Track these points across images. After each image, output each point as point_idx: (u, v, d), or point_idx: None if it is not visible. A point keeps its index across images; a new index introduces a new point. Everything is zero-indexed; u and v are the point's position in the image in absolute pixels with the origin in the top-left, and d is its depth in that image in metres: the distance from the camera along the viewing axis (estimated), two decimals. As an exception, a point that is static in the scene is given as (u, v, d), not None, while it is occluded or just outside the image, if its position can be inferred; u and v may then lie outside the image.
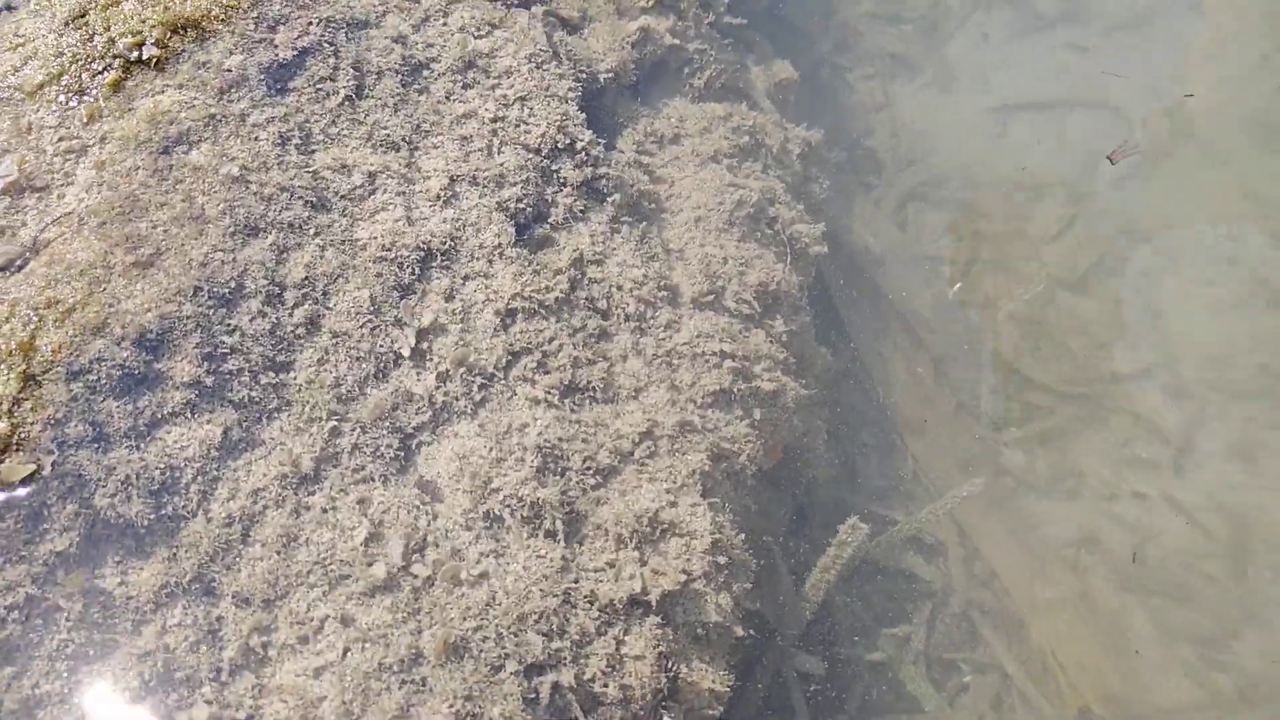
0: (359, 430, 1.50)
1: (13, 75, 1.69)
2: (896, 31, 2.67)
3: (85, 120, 1.64)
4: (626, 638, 1.45)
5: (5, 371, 1.35)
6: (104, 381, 1.39)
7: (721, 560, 1.57)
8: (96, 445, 1.36)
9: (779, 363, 1.85)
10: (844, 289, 2.26)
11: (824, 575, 1.88)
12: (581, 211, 1.78)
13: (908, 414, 2.31)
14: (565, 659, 1.41)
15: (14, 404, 1.33)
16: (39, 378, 1.36)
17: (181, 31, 1.72)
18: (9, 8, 1.85)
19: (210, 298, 1.49)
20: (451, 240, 1.66)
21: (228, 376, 1.47)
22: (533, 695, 1.38)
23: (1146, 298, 2.36)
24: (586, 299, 1.72)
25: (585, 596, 1.45)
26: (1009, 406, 2.28)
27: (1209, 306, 2.34)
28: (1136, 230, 2.46)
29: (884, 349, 2.31)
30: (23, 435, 1.32)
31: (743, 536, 1.64)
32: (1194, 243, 2.45)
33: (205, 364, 1.46)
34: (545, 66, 1.89)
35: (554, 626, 1.42)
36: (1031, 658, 1.98)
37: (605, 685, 1.42)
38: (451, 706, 1.34)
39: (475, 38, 1.88)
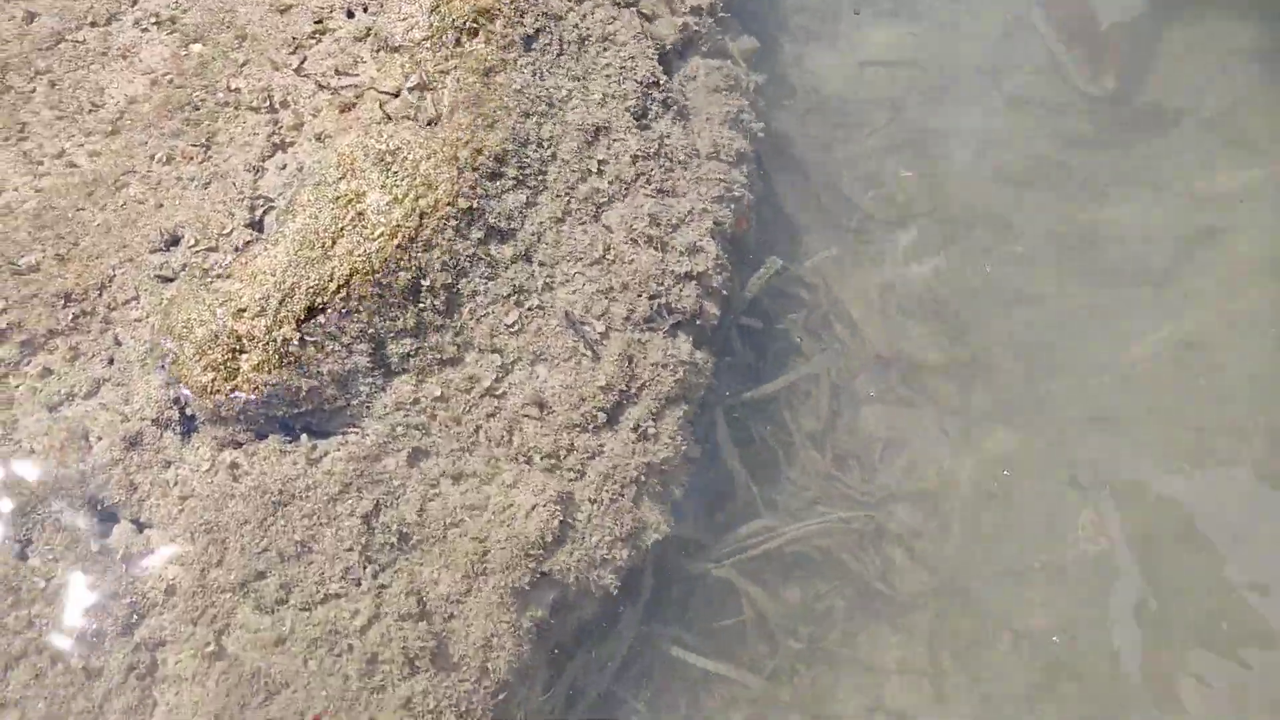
0: (577, 201, 3.58)
1: (406, 34, 3.68)
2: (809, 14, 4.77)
3: (446, 57, 3.65)
4: (684, 290, 3.60)
5: (450, 165, 3.40)
6: (484, 172, 3.44)
7: (717, 263, 3.72)
8: (484, 199, 3.42)
9: (742, 184, 3.99)
10: (771, 155, 4.38)
11: (756, 281, 4.06)
12: (661, 115, 3.87)
13: (803, 220, 4.47)
14: (664, 292, 3.55)
15: (457, 178, 3.38)
16: (460, 167, 3.41)
17: (483, 15, 3.72)
18: None
19: (517, 142, 3.54)
20: (606, 120, 3.73)
21: (528, 175, 3.53)
22: (653, 308, 3.52)
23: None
24: (664, 153, 3.82)
25: (669, 272, 3.59)
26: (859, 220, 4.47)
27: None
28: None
29: (789, 181, 4.45)
30: (462, 189, 3.38)
31: (726, 258, 3.79)
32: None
33: (518, 169, 3.51)
34: (640, 40, 3.95)
35: (658, 280, 3.55)
36: (858, 336, 4.20)
37: (678, 304, 3.57)
38: (623, 305, 3.48)
39: (606, 24, 3.93)
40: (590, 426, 3.24)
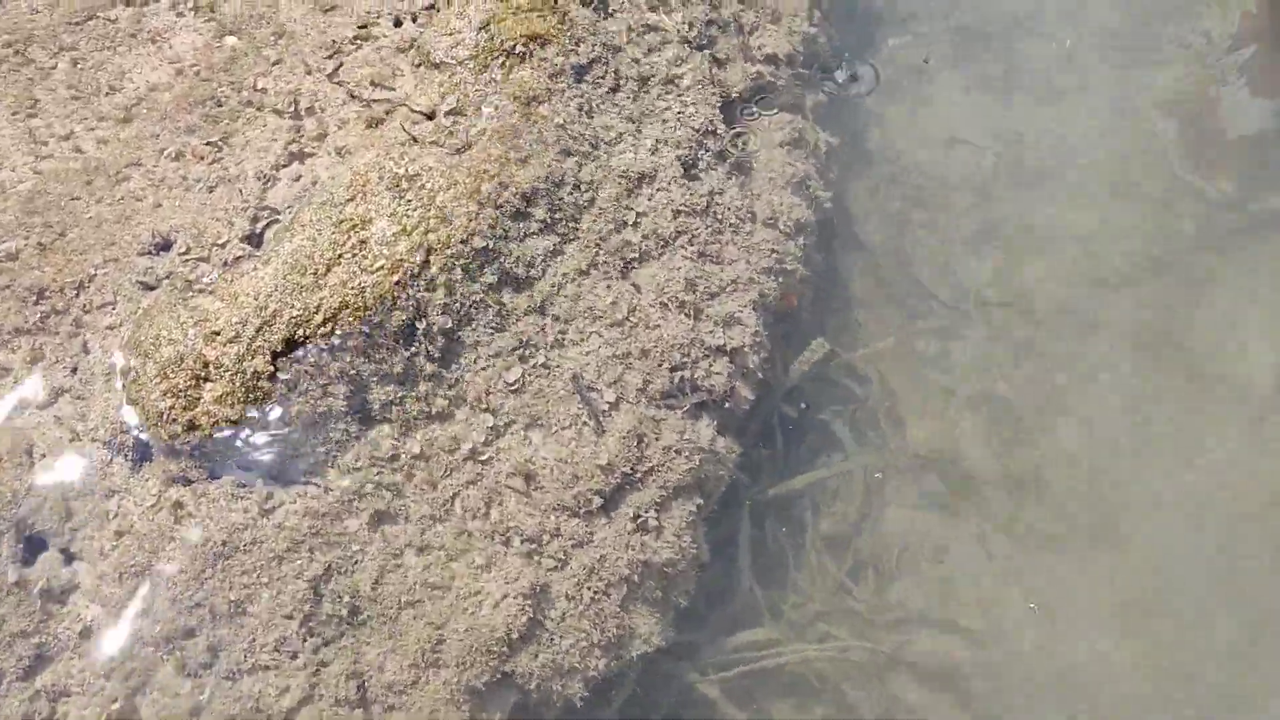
0: (606, 254, 3.23)
1: (450, 51, 3.37)
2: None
3: (486, 82, 3.33)
4: (715, 365, 3.22)
5: (470, 199, 3.06)
6: (507, 210, 3.11)
7: (756, 340, 3.33)
8: (503, 240, 3.08)
9: (796, 258, 3.60)
10: (837, 230, 3.99)
11: (800, 365, 3.66)
12: (714, 166, 3.50)
13: (859, 296, 4.06)
14: (689, 366, 3.17)
15: (474, 216, 3.05)
16: (482, 203, 3.08)
17: (534, 40, 3.40)
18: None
19: (551, 181, 3.20)
20: (653, 169, 3.37)
21: (557, 220, 3.19)
22: (674, 381, 3.15)
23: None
24: (712, 211, 3.45)
25: (700, 343, 3.21)
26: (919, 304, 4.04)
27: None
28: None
29: (849, 262, 4.05)
30: (478, 229, 3.04)
31: (766, 334, 3.40)
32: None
33: (547, 211, 3.17)
34: (705, 86, 3.59)
35: (685, 351, 3.17)
36: (903, 436, 3.76)
37: (705, 381, 3.19)
38: (640, 374, 3.10)
39: (673, 65, 3.58)
40: (582, 510, 2.87)
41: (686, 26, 3.64)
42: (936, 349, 3.98)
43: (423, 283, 2.90)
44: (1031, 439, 3.79)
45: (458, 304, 2.95)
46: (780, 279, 3.48)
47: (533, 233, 3.11)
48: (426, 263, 2.93)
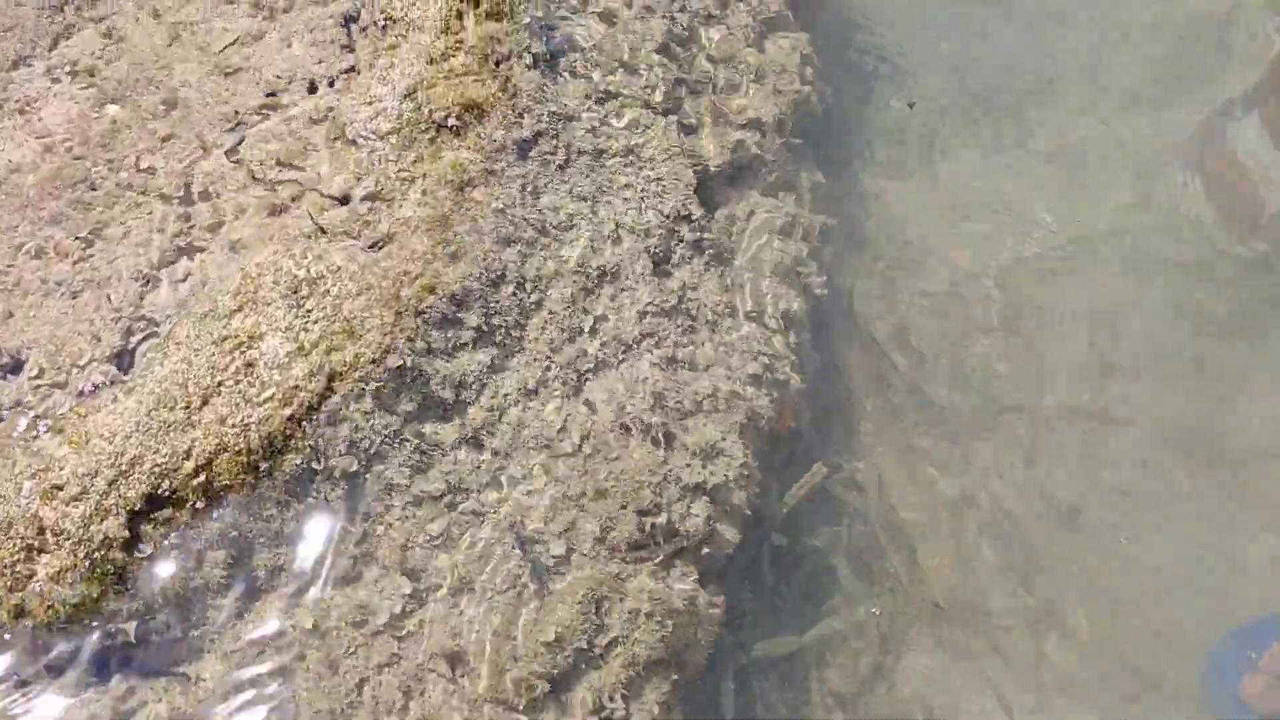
0: (558, 368, 2.66)
1: (369, 123, 2.82)
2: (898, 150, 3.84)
3: (413, 160, 2.78)
4: (693, 505, 2.64)
5: (387, 308, 2.49)
6: (433, 319, 2.54)
7: (744, 474, 2.76)
8: (428, 357, 2.51)
9: (789, 362, 3.04)
10: (835, 325, 3.43)
11: (797, 491, 3.08)
12: (689, 258, 2.95)
13: (863, 403, 3.51)
14: (661, 509, 2.60)
15: (392, 326, 2.48)
16: (401, 313, 2.51)
17: (470, 110, 2.85)
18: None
19: (488, 280, 2.64)
20: (616, 266, 2.82)
21: (494, 328, 2.62)
22: (642, 528, 2.57)
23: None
24: (684, 308, 2.89)
25: (673, 479, 2.64)
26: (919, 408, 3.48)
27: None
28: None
29: (850, 361, 3.50)
30: (395, 344, 2.47)
31: (757, 464, 2.83)
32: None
33: (483, 317, 2.61)
34: (674, 158, 3.04)
35: (656, 491, 2.60)
36: (914, 568, 3.19)
37: (681, 525, 2.61)
38: (597, 519, 2.53)
39: (634, 134, 3.03)
40: (522, 701, 2.28)
41: (650, 90, 3.11)
42: (944, 457, 3.41)
43: (323, 417, 2.33)
44: (1054, 565, 3.21)
45: (367, 440, 2.37)
46: (771, 391, 2.91)
47: (464, 344, 2.55)
48: (328, 390, 2.36)
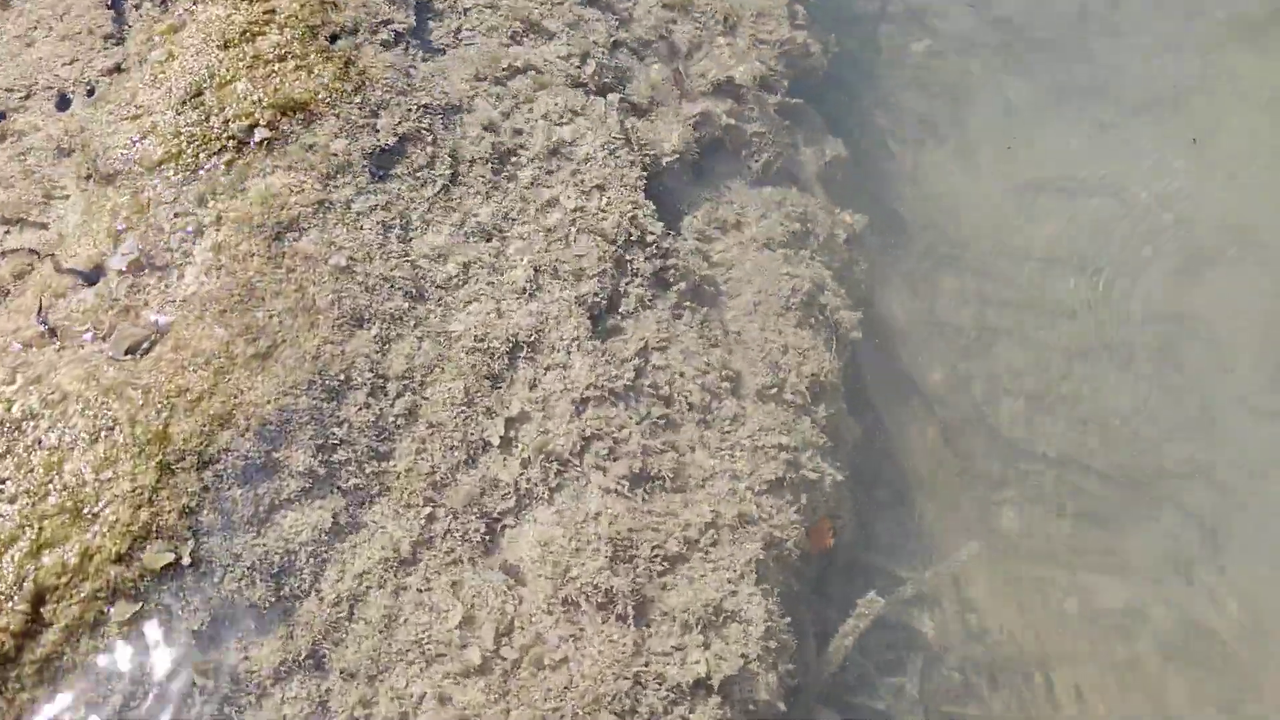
0: (449, 516, 1.64)
1: (133, 148, 1.79)
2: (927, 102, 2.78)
3: (198, 200, 1.75)
4: (692, 715, 1.62)
5: (145, 460, 1.47)
6: (230, 470, 1.52)
7: (772, 644, 1.73)
8: (225, 532, 1.49)
9: (819, 449, 2.00)
10: (873, 363, 2.40)
11: (843, 641, 2.05)
12: (650, 300, 1.91)
13: (920, 475, 2.48)
14: None
15: (153, 492, 1.46)
16: (173, 466, 1.49)
17: (290, 114, 1.82)
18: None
19: (323, 389, 1.62)
20: (536, 333, 1.79)
21: (337, 465, 1.60)
22: None
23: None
24: (650, 386, 1.86)
25: (654, 678, 1.62)
26: (1005, 472, 2.45)
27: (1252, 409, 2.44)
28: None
29: (901, 416, 2.47)
30: (161, 523, 1.45)
31: (788, 620, 1.80)
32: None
33: (317, 451, 1.59)
34: (618, 154, 2.01)
35: (626, 707, 1.58)
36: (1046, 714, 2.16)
37: None
38: None
39: (557, 125, 2.00)
40: None
41: (575, 60, 2.07)
42: (1064, 543, 2.37)
43: (26, 667, 1.31)
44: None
45: (115, 697, 1.34)
46: (799, 498, 1.88)
47: (286, 501, 1.52)
48: (34, 620, 1.34)
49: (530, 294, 1.82)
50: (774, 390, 1.95)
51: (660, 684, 1.62)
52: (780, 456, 1.89)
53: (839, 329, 2.18)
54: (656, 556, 1.71)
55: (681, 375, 1.90)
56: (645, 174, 2.00)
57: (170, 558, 1.43)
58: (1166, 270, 2.47)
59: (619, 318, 1.89)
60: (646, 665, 1.62)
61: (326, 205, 1.76)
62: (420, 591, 1.58)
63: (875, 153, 2.67)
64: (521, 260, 1.84)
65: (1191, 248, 2.49)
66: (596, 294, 1.85)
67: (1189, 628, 2.15)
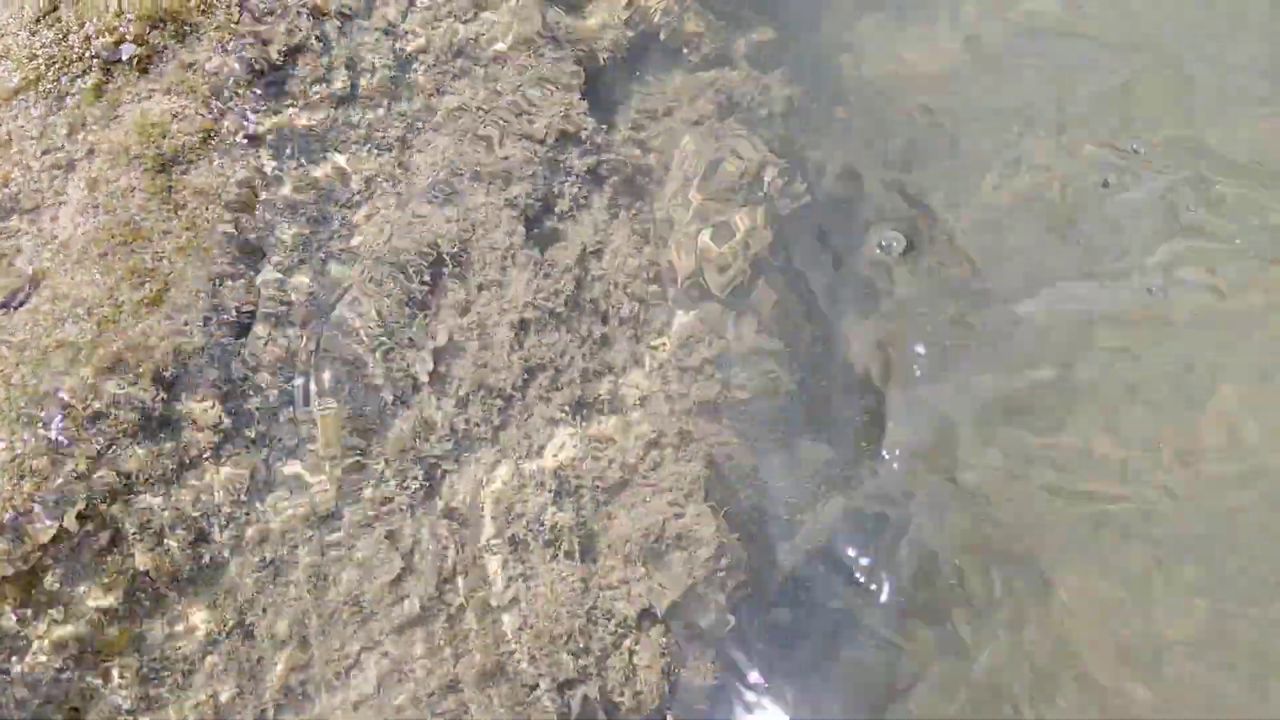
0: (381, 460, 1.52)
1: None
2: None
3: (68, 131, 1.57)
4: (638, 648, 1.55)
5: (24, 425, 1.33)
6: (123, 424, 1.38)
7: (723, 561, 1.66)
8: (124, 494, 1.37)
9: (768, 352, 1.90)
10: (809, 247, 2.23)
11: (800, 544, 1.98)
12: (585, 198, 1.78)
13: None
14: (590, 671, 1.50)
15: (29, 468, 1.32)
16: (48, 423, 1.35)
17: (160, 25, 1.63)
18: None
19: (225, 328, 1.47)
20: (462, 244, 1.65)
21: (247, 412, 1.47)
22: (565, 709, 1.48)
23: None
24: (590, 299, 1.74)
25: (604, 614, 1.53)
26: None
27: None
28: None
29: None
30: (44, 492, 1.32)
31: (737, 536, 1.72)
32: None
33: (224, 398, 1.45)
34: (543, 50, 1.84)
35: (580, 646, 1.50)
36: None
37: (622, 695, 1.52)
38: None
39: (462, 22, 1.82)
40: None
41: (483, -56, 1.88)
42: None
43: None
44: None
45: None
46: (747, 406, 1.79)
47: (197, 460, 1.40)
48: None
49: (446, 199, 1.67)
50: (698, 276, 1.84)
51: (609, 620, 1.54)
52: (714, 376, 1.78)
53: (781, 198, 2.05)
54: (599, 485, 1.61)
55: (619, 285, 1.78)
56: (581, 71, 1.84)
57: (55, 529, 1.31)
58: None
59: (556, 220, 1.76)
60: (595, 601, 1.53)
61: (210, 132, 1.58)
62: (351, 544, 1.47)
63: (813, 32, 2.48)
64: (437, 167, 1.69)
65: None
66: (529, 195, 1.71)
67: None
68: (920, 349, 2.17)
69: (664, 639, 1.58)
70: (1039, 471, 2.04)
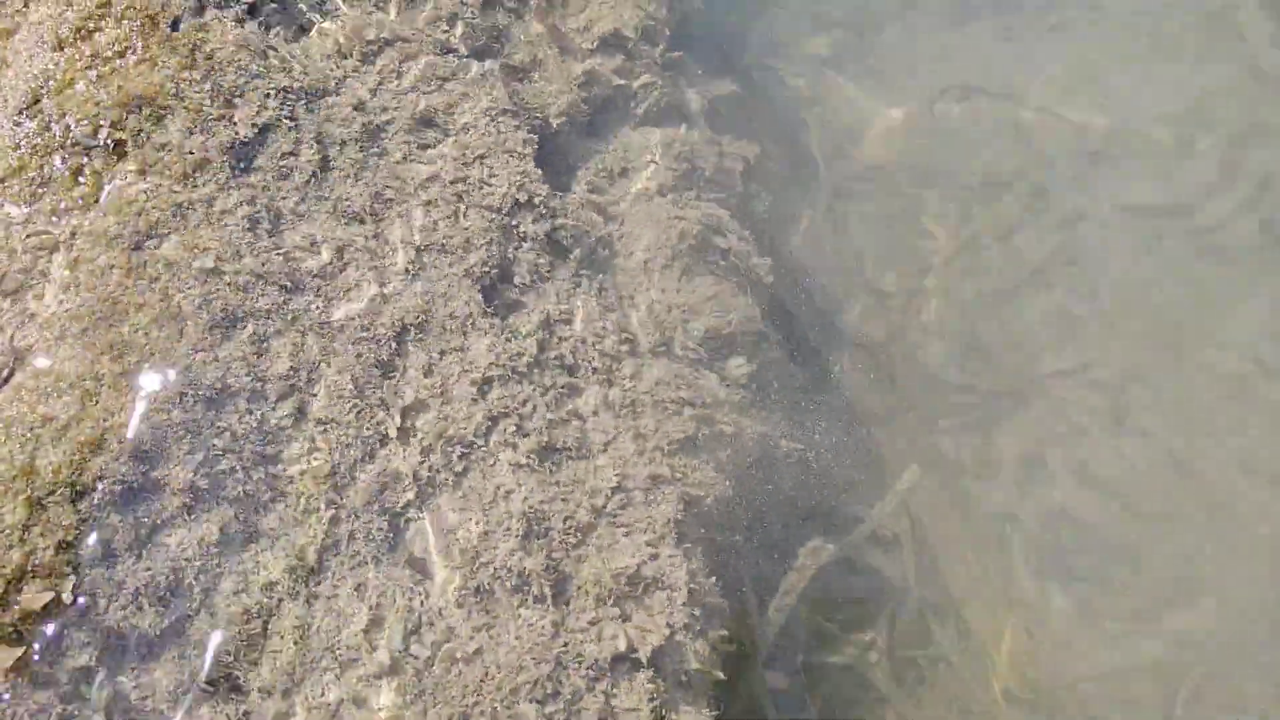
0: (350, 516, 1.58)
1: None
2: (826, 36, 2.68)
3: (50, 213, 1.66)
4: (616, 691, 1.58)
5: (11, 499, 1.40)
6: (109, 495, 1.45)
7: (699, 608, 1.70)
8: (107, 563, 1.43)
9: (734, 405, 1.96)
10: (802, 307, 2.33)
11: (786, 599, 2.03)
12: (543, 269, 1.85)
13: (867, 409, 2.42)
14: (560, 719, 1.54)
15: (24, 531, 1.39)
16: (44, 501, 1.42)
17: (136, 110, 1.72)
18: None
19: (198, 397, 1.54)
20: (424, 314, 1.72)
21: (221, 474, 1.53)
22: None
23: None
24: (554, 357, 1.80)
25: (574, 657, 1.58)
26: (938, 403, 2.41)
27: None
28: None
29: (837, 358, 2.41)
30: (36, 563, 1.39)
31: (714, 580, 1.76)
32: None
33: (197, 465, 1.52)
34: (500, 120, 1.93)
35: (548, 692, 1.54)
36: (971, 645, 2.15)
37: None
38: None
39: (425, 94, 1.91)
40: None
41: (444, 23, 1.98)
42: (970, 453, 2.35)
43: None
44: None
45: None
46: (714, 453, 1.84)
47: (169, 520, 1.46)
48: None
49: (412, 274, 1.74)
50: (663, 348, 1.89)
51: (579, 664, 1.58)
52: (686, 412, 1.84)
53: (751, 273, 2.12)
54: (570, 529, 1.66)
55: (583, 343, 1.84)
56: (534, 139, 1.92)
57: (49, 597, 1.37)
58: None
59: (514, 290, 1.83)
60: (565, 645, 1.57)
61: (184, 207, 1.67)
62: (328, 600, 1.53)
63: (767, 87, 2.58)
64: (402, 241, 1.77)
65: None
66: (486, 265, 1.78)
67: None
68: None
69: (652, 684, 1.61)
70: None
